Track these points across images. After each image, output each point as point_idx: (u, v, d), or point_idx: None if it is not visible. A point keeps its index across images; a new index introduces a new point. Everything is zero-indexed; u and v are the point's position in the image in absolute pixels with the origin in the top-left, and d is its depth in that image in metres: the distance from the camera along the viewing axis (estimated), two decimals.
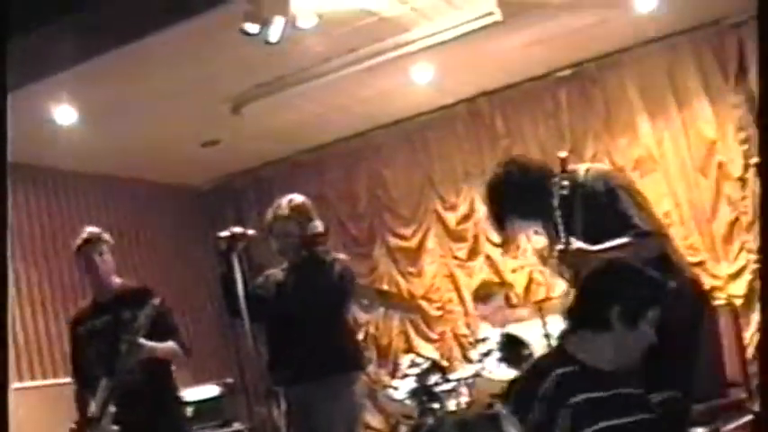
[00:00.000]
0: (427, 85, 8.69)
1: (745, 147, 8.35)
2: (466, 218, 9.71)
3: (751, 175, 8.31)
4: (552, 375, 3.38)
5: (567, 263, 4.31)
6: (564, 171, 4.44)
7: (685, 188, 8.62)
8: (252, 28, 6.25)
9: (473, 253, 9.65)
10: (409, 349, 9.39)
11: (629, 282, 3.49)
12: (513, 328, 7.52)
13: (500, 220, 4.77)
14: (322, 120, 9.28)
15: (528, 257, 9.19)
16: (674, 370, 4.21)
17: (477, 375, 7.04)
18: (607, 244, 4.28)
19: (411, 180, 10.04)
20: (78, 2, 5.50)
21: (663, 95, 8.78)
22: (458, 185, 9.78)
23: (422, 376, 7.18)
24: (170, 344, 5.68)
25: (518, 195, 4.61)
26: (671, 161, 8.72)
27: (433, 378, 7.20)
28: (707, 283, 8.17)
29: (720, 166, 8.50)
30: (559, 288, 6.54)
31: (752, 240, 8.29)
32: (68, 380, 6.08)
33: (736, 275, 8.37)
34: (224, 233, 5.26)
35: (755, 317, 8.19)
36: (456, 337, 9.63)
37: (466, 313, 9.56)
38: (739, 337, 8.06)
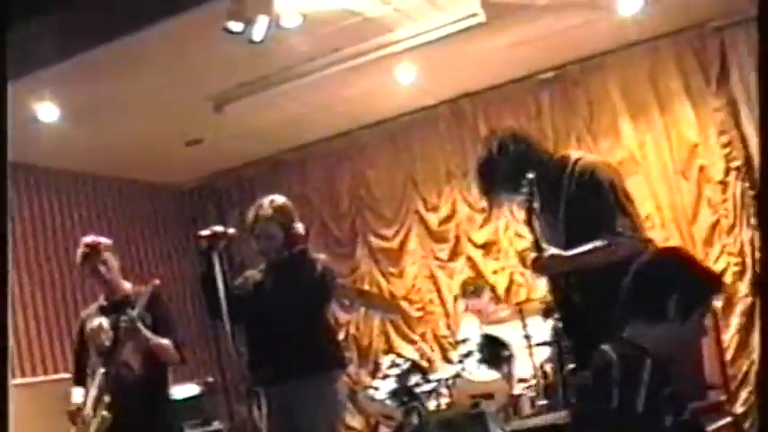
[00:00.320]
0: (410, 86, 8.69)
1: (727, 150, 8.39)
2: (448, 219, 9.71)
3: (732, 178, 8.35)
4: (640, 363, 3.34)
5: (541, 269, 4.29)
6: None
7: (667, 191, 8.64)
8: (235, 26, 6.24)
9: (454, 254, 9.66)
10: (390, 350, 9.39)
11: (688, 273, 3.42)
12: (494, 330, 7.53)
13: (487, 192, 4.75)
14: (305, 119, 9.27)
15: (509, 259, 9.21)
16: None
17: (457, 376, 7.04)
18: (581, 248, 4.27)
19: (393, 180, 10.04)
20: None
21: (645, 98, 8.81)
22: (440, 186, 9.78)
23: (402, 377, 7.18)
24: (166, 341, 5.72)
25: (507, 171, 4.57)
26: (653, 164, 8.74)
27: (414, 379, 7.20)
28: None
29: (702, 169, 8.53)
30: (540, 290, 6.54)
31: (732, 243, 8.33)
32: (58, 377, 6.10)
33: None
34: (205, 232, 5.26)
35: (735, 320, 8.23)
36: (436, 337, 9.64)
37: (446, 314, 9.57)
38: (719, 340, 8.08)
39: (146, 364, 5.74)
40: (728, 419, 7.26)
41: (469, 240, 9.54)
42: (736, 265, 8.30)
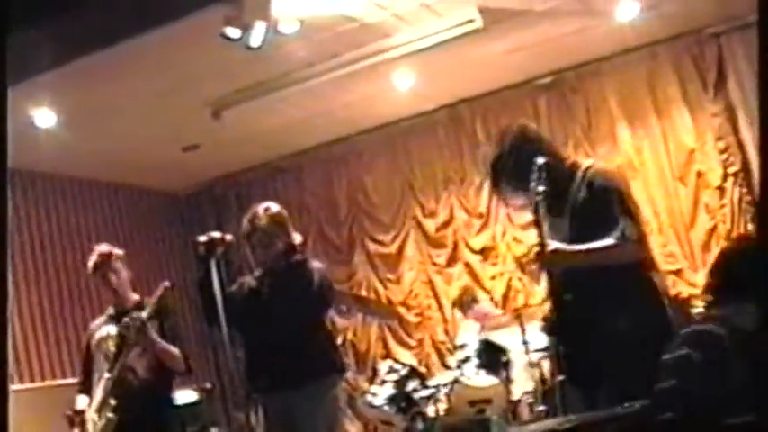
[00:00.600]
0: (408, 92, 8.70)
1: (724, 156, 8.39)
2: (445, 224, 9.72)
3: (729, 183, 8.35)
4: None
5: (545, 264, 4.28)
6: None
7: (664, 196, 8.64)
8: (233, 33, 6.25)
9: (452, 260, 9.66)
10: (387, 355, 9.39)
11: None
12: (492, 335, 7.52)
13: (498, 189, 4.73)
14: (303, 125, 9.27)
15: (507, 265, 9.21)
16: (646, 380, 4.21)
17: (455, 382, 7.03)
18: (586, 245, 4.27)
19: (391, 186, 10.05)
20: (58, 5, 5.48)
21: (642, 104, 8.82)
22: (438, 192, 9.79)
23: (400, 382, 7.17)
24: (173, 348, 5.73)
25: (519, 169, 4.56)
26: (650, 169, 8.74)
27: (412, 384, 7.19)
28: (685, 291, 8.23)
29: (699, 174, 8.53)
30: (538, 295, 6.53)
31: None
32: (59, 382, 6.10)
33: None
34: (203, 238, 5.24)
35: None
36: (434, 343, 9.63)
37: (444, 320, 9.57)
38: None
39: (151, 369, 5.74)
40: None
41: (467, 246, 9.54)
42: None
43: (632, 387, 4.07)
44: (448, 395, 7.07)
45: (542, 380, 7.16)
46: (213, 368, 9.60)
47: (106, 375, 5.62)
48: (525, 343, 6.95)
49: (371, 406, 7.15)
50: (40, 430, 7.08)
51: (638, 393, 3.92)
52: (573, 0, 7.37)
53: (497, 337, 7.46)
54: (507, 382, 7.05)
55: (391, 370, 7.31)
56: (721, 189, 8.42)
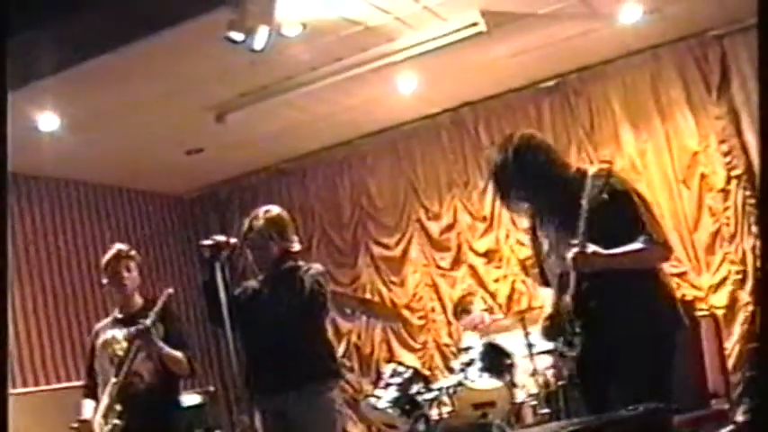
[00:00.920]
0: (412, 95, 8.71)
1: (728, 158, 8.38)
2: (449, 227, 9.72)
3: (733, 186, 8.35)
4: None
5: (581, 265, 4.28)
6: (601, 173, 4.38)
7: (668, 199, 8.62)
8: (237, 36, 6.26)
9: (456, 262, 9.66)
10: (391, 358, 9.37)
11: None
12: (496, 338, 7.53)
13: (502, 196, 4.73)
14: (306, 128, 9.28)
15: (511, 267, 9.21)
16: (654, 381, 4.22)
17: (459, 385, 7.03)
18: (622, 249, 4.29)
19: (395, 189, 10.05)
20: (62, 9, 5.49)
21: (646, 107, 8.81)
22: (441, 195, 9.79)
23: (404, 385, 7.17)
24: (178, 353, 5.74)
25: (522, 177, 4.57)
26: (654, 172, 8.73)
27: (416, 387, 7.19)
28: (689, 294, 8.23)
29: (703, 177, 8.52)
30: (542, 300, 6.53)
31: (734, 251, 8.32)
32: (60, 386, 6.10)
33: (717, 286, 8.39)
34: (207, 241, 5.27)
35: (737, 328, 8.22)
36: (438, 346, 9.63)
37: (448, 323, 9.56)
38: (721, 348, 8.09)
39: (156, 374, 5.76)
40: (731, 428, 7.26)
41: (471, 249, 9.54)
42: (737, 273, 8.29)
43: (646, 388, 4.10)
44: (451, 398, 7.07)
45: (546, 383, 7.16)
46: (217, 371, 9.68)
47: (113, 380, 5.63)
48: (529, 346, 6.95)
49: (375, 408, 7.16)
50: None
51: (652, 394, 3.95)
52: (576, 3, 7.37)
53: (501, 340, 7.46)
54: (511, 385, 7.05)
55: (395, 373, 7.31)
56: (725, 191, 8.41)
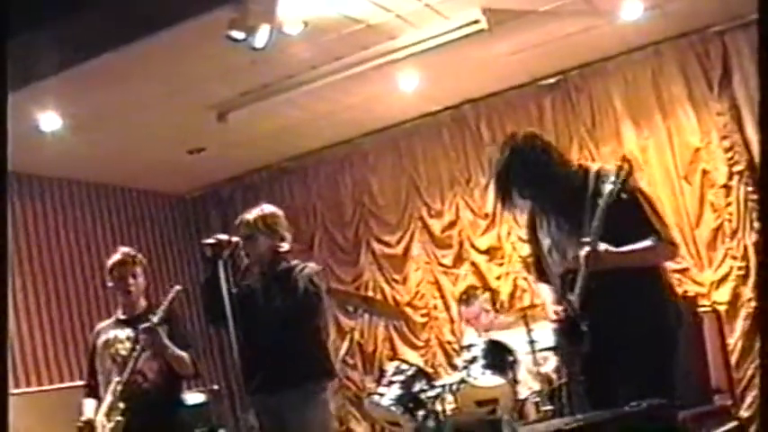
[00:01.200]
0: (413, 93, 8.71)
1: (730, 154, 8.38)
2: (451, 225, 9.72)
3: (735, 182, 8.34)
4: None
5: (593, 264, 4.29)
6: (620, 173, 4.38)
7: (670, 195, 8.62)
8: (238, 35, 6.27)
9: (458, 260, 9.66)
10: (394, 356, 9.39)
11: None
12: (498, 335, 7.52)
13: (503, 195, 4.74)
14: (308, 127, 9.28)
15: (513, 264, 9.21)
16: (658, 377, 4.22)
17: (462, 382, 7.02)
18: (632, 246, 4.30)
19: (397, 187, 10.05)
20: (63, 9, 5.49)
21: (647, 103, 8.81)
22: (443, 193, 9.79)
23: (407, 383, 7.16)
24: (184, 353, 5.76)
25: (525, 176, 4.57)
26: (655, 168, 8.73)
27: (419, 385, 7.17)
28: (691, 290, 8.23)
29: (705, 173, 8.52)
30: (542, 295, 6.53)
31: (736, 247, 8.32)
32: (61, 386, 6.10)
33: (720, 282, 8.38)
34: (210, 240, 5.29)
35: (740, 323, 8.22)
36: (441, 343, 9.64)
37: (451, 320, 9.57)
38: (723, 344, 8.09)
39: (160, 373, 5.78)
40: (734, 423, 7.27)
41: (473, 246, 9.54)
42: (739, 269, 8.29)
43: (651, 384, 4.11)
44: (454, 395, 7.06)
45: (548, 380, 7.16)
46: (220, 369, 9.68)
47: (116, 379, 5.64)
48: (531, 342, 6.95)
49: (378, 406, 7.15)
50: None
51: (656, 390, 3.96)
52: (577, 0, 7.37)
53: (504, 337, 7.45)
54: (514, 382, 7.05)
55: (398, 370, 7.30)
56: (727, 187, 8.40)
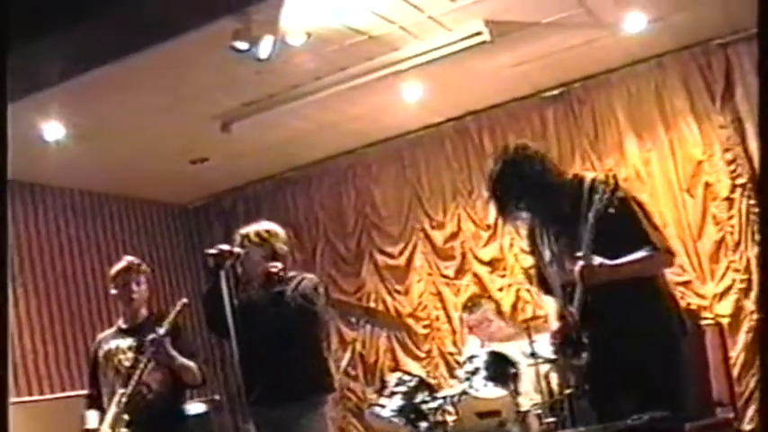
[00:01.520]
0: (416, 104, 8.72)
1: (732, 167, 8.37)
2: (453, 236, 9.71)
3: (737, 194, 8.34)
4: None
5: (588, 278, 4.29)
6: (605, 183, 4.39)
7: (672, 208, 8.61)
8: (242, 45, 6.28)
9: (460, 271, 9.66)
10: (396, 367, 9.39)
11: None
12: (500, 347, 7.52)
13: (499, 207, 4.74)
14: (311, 137, 9.29)
15: (515, 276, 9.20)
16: (660, 389, 4.22)
17: (463, 393, 7.03)
18: (626, 258, 4.30)
19: (399, 198, 10.06)
20: (66, 19, 5.51)
21: (650, 115, 8.81)
22: (445, 204, 9.79)
23: (409, 394, 7.17)
24: (191, 363, 5.76)
25: (519, 187, 4.58)
26: (658, 181, 8.73)
27: (420, 396, 7.19)
28: (693, 302, 8.22)
29: (707, 185, 8.51)
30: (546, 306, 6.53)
31: (738, 260, 8.31)
32: (63, 395, 6.09)
33: (722, 295, 8.36)
34: (212, 250, 5.30)
35: (742, 336, 8.20)
36: (443, 354, 9.63)
37: (453, 331, 9.56)
38: (726, 357, 8.08)
39: (164, 383, 5.77)
40: None
41: (475, 257, 9.54)
42: (742, 281, 8.27)
43: (653, 396, 4.10)
44: (456, 407, 7.06)
45: (550, 392, 7.15)
46: (221, 379, 9.68)
47: (120, 391, 5.63)
48: (533, 354, 6.94)
49: (380, 417, 7.15)
50: None
51: (659, 403, 3.95)
52: (580, 12, 7.38)
53: (506, 348, 7.45)
54: (516, 394, 7.04)
55: (400, 381, 7.30)
56: (729, 200, 8.39)
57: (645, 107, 8.84)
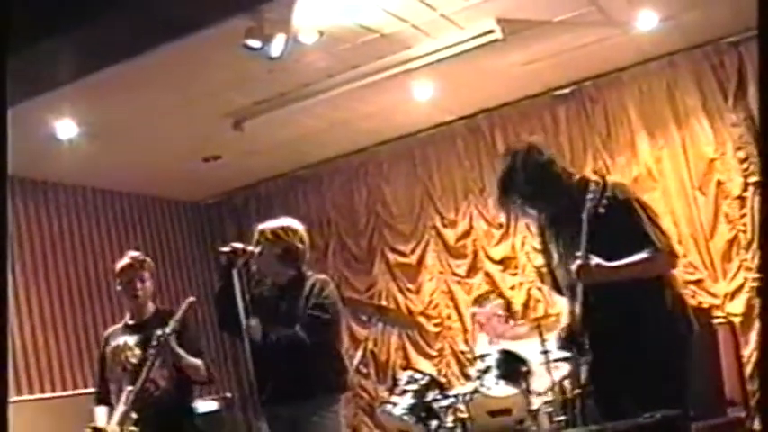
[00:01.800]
0: (428, 102, 8.73)
1: (744, 165, 8.36)
2: (465, 234, 9.72)
3: (750, 193, 8.32)
4: None
5: (584, 278, 4.30)
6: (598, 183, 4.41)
7: (684, 206, 8.61)
8: (254, 44, 6.30)
9: (472, 269, 9.66)
10: (408, 365, 9.39)
11: None
12: (512, 345, 7.52)
13: (505, 205, 4.75)
14: (323, 135, 9.30)
15: (527, 274, 9.20)
16: (670, 388, 4.22)
17: (475, 392, 7.03)
18: (625, 260, 4.30)
19: (411, 196, 10.06)
20: (79, 17, 5.52)
21: (662, 114, 8.80)
22: (457, 202, 9.80)
23: (420, 392, 7.18)
24: (198, 360, 5.76)
25: (526, 186, 4.59)
26: (670, 179, 8.72)
27: (432, 394, 7.20)
28: (705, 301, 8.22)
29: (719, 184, 8.50)
30: (558, 305, 6.53)
31: (750, 259, 8.29)
32: (71, 392, 6.10)
33: (734, 294, 8.35)
34: (225, 248, 5.30)
35: (754, 335, 8.19)
36: (454, 353, 9.63)
37: (464, 329, 9.56)
38: (738, 356, 8.07)
39: (171, 381, 5.78)
40: None
41: (487, 256, 9.54)
42: (754, 280, 8.26)
43: (663, 395, 4.10)
44: (467, 405, 7.07)
45: (562, 390, 7.15)
46: (234, 377, 9.69)
47: (128, 388, 5.63)
48: (545, 353, 6.94)
49: (391, 415, 7.16)
50: None
51: (669, 401, 3.95)
52: (592, 10, 7.37)
53: (517, 347, 7.45)
54: (527, 392, 7.05)
55: (411, 380, 7.31)
56: (741, 199, 8.38)
57: (657, 105, 8.83)
